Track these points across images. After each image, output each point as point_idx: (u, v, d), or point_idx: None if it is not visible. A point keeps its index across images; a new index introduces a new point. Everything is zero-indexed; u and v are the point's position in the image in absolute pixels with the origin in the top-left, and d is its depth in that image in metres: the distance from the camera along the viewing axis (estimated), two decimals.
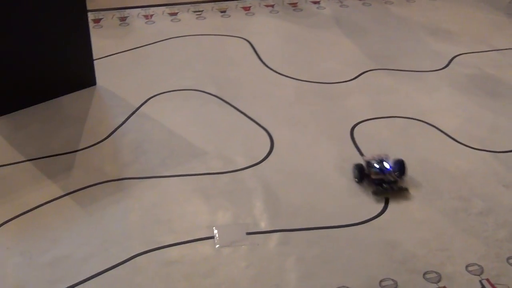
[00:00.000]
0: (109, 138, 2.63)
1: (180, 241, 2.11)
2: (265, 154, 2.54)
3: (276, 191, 2.34)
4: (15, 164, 2.47)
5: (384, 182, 2.31)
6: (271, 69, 3.18)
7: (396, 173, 2.35)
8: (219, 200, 2.29)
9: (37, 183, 2.37)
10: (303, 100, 2.92)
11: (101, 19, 3.68)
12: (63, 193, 2.32)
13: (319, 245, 2.10)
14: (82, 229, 2.15)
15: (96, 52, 3.01)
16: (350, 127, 2.71)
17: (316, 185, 2.37)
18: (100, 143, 2.59)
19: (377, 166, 2.34)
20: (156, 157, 2.51)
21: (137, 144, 2.59)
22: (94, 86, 2.98)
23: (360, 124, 2.74)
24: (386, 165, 2.34)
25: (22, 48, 2.70)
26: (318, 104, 2.88)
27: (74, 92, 2.92)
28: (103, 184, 2.36)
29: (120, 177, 2.40)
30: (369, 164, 2.36)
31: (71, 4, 2.76)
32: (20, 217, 2.21)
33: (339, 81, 3.07)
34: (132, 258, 2.03)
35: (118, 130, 2.68)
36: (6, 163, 2.47)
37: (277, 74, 3.13)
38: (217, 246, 2.10)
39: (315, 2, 3.93)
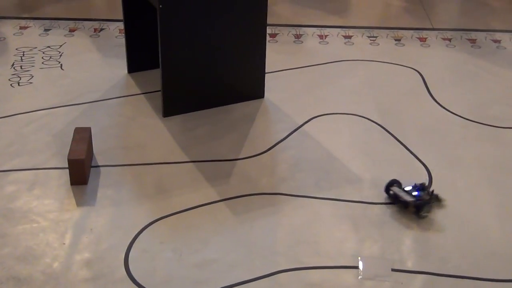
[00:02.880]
0: (269, 151, 2.69)
1: (323, 265, 2.11)
2: None
3: (428, 231, 2.27)
4: (179, 164, 2.60)
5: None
6: (439, 104, 3.09)
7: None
8: (368, 231, 2.26)
9: (196, 185, 2.48)
10: (469, 142, 2.81)
11: (277, 34, 3.78)
12: (218, 198, 2.41)
13: None
14: (232, 236, 2.22)
15: (267, 66, 3.09)
16: None
17: (473, 233, 2.27)
18: (260, 155, 2.66)
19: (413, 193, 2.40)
20: (311, 177, 2.53)
21: (295, 161, 2.63)
22: (261, 99, 3.07)
23: None
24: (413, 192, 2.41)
25: (206, 55, 2.86)
26: (485, 148, 2.76)
27: (243, 102, 3.02)
28: (257, 196, 2.42)
29: (275, 192, 2.45)
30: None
31: (254, 18, 2.87)
32: (176, 215, 2.32)
33: None
34: (275, 274, 2.06)
35: (278, 144, 2.74)
36: (171, 161, 2.61)
37: (445, 111, 3.03)
38: (360, 277, 2.07)
39: (495, 41, 3.77)
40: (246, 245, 2.18)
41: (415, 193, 2.39)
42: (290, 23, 3.94)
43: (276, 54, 3.49)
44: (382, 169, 2.59)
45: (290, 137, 2.79)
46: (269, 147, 2.72)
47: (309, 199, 2.42)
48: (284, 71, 3.36)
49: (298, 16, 4.09)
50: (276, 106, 3.02)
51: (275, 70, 3.32)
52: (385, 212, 2.35)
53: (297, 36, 3.77)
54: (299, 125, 2.88)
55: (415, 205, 2.34)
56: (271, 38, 3.70)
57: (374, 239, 2.22)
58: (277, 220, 2.31)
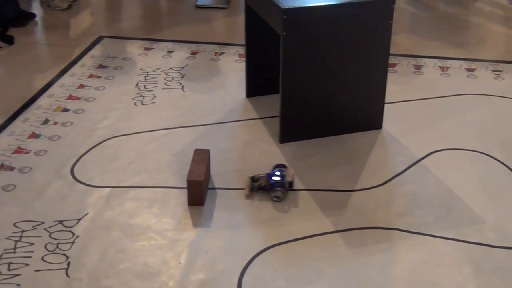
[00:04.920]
0: (386, 184, 2.63)
1: None
2: None
3: None
4: (293, 191, 2.58)
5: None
6: None
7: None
8: (491, 276, 2.15)
9: (309, 214, 2.45)
10: None
11: (396, 64, 3.72)
12: (332, 229, 2.37)
13: None
14: (346, 269, 2.17)
15: (386, 96, 3.03)
16: None
17: None
18: (376, 188, 2.61)
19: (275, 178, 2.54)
20: (430, 214, 2.45)
21: (413, 196, 2.55)
22: (379, 130, 3.01)
23: None
24: (275, 177, 2.54)
25: (326, 83, 2.85)
26: None
27: (360, 132, 2.98)
28: (373, 230, 2.37)
29: (391, 227, 2.38)
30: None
31: (376, 48, 2.84)
32: (290, 243, 2.30)
33: None
34: None
35: (396, 178, 2.67)
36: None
37: None
38: None
39: None
40: (360, 280, 2.13)
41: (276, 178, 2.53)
42: (410, 54, 3.87)
43: (394, 85, 3.42)
44: (506, 211, 2.47)
45: (408, 170, 2.71)
46: (386, 180, 2.66)
47: (428, 237, 2.33)
48: (403, 102, 3.29)
49: (418, 46, 4.01)
50: (394, 138, 2.96)
51: (393, 101, 3.26)
52: (509, 258, 2.23)
53: (417, 67, 3.69)
54: (418, 159, 2.79)
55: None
56: (390, 68, 3.63)
57: (497, 286, 2.10)
58: (393, 256, 2.24)
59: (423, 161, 2.78)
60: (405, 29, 4.32)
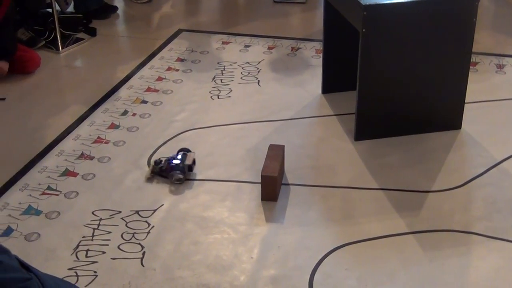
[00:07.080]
0: (464, 186, 2.56)
1: None
2: None
3: None
4: (368, 190, 2.55)
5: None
6: None
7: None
8: None
9: (383, 213, 2.42)
10: None
11: (477, 63, 3.61)
12: (407, 231, 2.33)
13: None
14: (419, 273, 2.13)
15: (466, 95, 2.95)
16: None
17: None
18: (454, 190, 2.54)
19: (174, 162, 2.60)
20: (509, 219, 2.37)
21: (492, 200, 2.48)
22: (458, 130, 2.94)
23: None
24: (175, 161, 2.61)
25: (404, 81, 2.80)
26: None
27: (437, 132, 2.91)
28: (449, 233, 2.31)
29: (468, 230, 2.32)
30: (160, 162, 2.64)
31: (458, 46, 2.77)
32: (362, 242, 2.28)
33: None
34: None
35: (474, 180, 2.60)
36: (359, 186, 2.57)
37: None
38: None
39: None
40: (434, 284, 2.08)
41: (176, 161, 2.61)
42: (492, 52, 3.75)
43: (475, 84, 3.31)
44: None
45: (487, 173, 2.63)
46: (463, 182, 2.59)
47: (506, 242, 2.26)
48: (484, 102, 3.19)
49: (501, 45, 3.88)
50: (474, 139, 2.87)
51: (473, 100, 3.16)
52: None
53: (500, 66, 3.57)
54: (498, 161, 2.71)
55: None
56: (471, 67, 3.50)
57: None
58: (470, 261, 2.18)
59: (503, 163, 2.69)
60: (487, 26, 4.19)
